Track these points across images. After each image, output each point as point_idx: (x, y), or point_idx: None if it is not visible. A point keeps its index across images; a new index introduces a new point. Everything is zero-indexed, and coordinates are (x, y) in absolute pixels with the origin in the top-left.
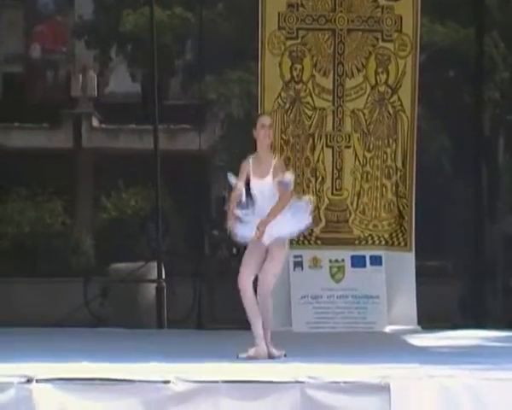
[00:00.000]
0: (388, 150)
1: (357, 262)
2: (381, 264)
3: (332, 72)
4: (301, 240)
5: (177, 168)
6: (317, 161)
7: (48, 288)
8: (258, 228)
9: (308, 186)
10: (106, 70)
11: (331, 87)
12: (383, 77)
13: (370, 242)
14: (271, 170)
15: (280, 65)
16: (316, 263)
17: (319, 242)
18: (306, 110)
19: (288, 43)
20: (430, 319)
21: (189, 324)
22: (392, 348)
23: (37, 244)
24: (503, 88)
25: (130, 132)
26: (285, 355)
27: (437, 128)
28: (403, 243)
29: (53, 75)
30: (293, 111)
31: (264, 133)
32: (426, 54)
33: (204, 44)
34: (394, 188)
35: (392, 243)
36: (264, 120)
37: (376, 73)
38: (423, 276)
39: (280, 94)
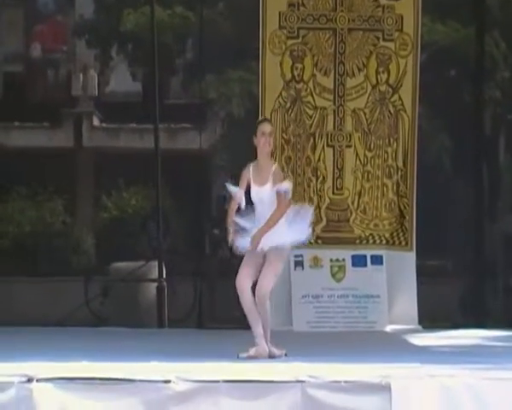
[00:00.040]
0: (389, 150)
1: (358, 262)
2: (381, 263)
3: (333, 71)
4: None
5: (178, 167)
6: (318, 160)
7: (48, 287)
8: (253, 238)
9: (309, 186)
10: (106, 69)
11: (332, 86)
12: (384, 76)
13: (371, 241)
14: (271, 177)
15: (281, 64)
16: (316, 262)
17: (320, 241)
18: (307, 109)
19: (289, 42)
20: (431, 319)
21: (189, 323)
22: (393, 347)
23: (37, 244)
24: (503, 87)
25: (130, 132)
26: (286, 355)
27: (438, 127)
28: (404, 243)
29: (53, 74)
30: (294, 110)
31: (264, 141)
32: (427, 53)
33: (204, 44)
34: (395, 187)
35: (393, 243)
36: (265, 128)
37: (377, 73)
38: (424, 275)
39: (281, 93)
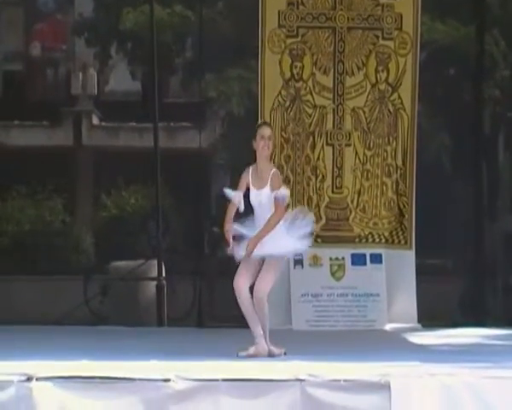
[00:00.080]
0: (388, 148)
1: (358, 260)
2: (381, 262)
3: (332, 70)
4: None
5: (178, 166)
6: (318, 159)
7: (48, 286)
8: (248, 244)
9: (308, 184)
10: (106, 68)
11: (331, 85)
12: (383, 75)
13: (371, 240)
14: (269, 181)
15: (280, 63)
16: (316, 261)
17: (319, 240)
18: (307, 108)
19: (289, 41)
20: (430, 317)
21: (189, 322)
22: (393, 346)
23: (37, 242)
24: (503, 86)
25: (130, 130)
26: (285, 353)
27: (437, 126)
28: (403, 241)
29: (53, 73)
30: (294, 109)
31: (263, 144)
32: (426, 52)
33: (204, 42)
34: (394, 186)
35: (393, 241)
36: (264, 132)
37: (376, 71)
38: (423, 274)
39: (280, 92)
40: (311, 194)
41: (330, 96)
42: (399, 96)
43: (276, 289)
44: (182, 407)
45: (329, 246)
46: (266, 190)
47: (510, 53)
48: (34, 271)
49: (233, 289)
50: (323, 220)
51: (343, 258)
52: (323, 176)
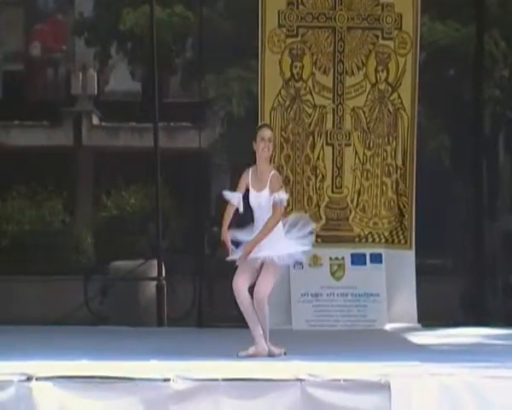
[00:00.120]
0: (388, 148)
1: (358, 260)
2: (381, 262)
3: (332, 70)
4: None
5: (178, 166)
6: (317, 158)
7: (48, 286)
8: (245, 247)
9: (308, 184)
10: (106, 68)
11: (331, 85)
12: (383, 75)
13: (370, 239)
14: (268, 183)
15: (280, 63)
16: (316, 261)
17: (319, 240)
18: (306, 108)
19: (288, 41)
20: (430, 317)
21: (189, 322)
22: (393, 346)
23: (37, 242)
24: (503, 86)
25: (130, 131)
26: (285, 353)
27: (437, 126)
28: (403, 241)
29: (53, 73)
30: (294, 109)
31: (263, 146)
32: (426, 52)
33: (204, 43)
34: (394, 186)
35: (393, 241)
36: (264, 133)
37: (376, 71)
38: (423, 274)
39: (280, 92)
40: (311, 194)
41: (330, 95)
42: (399, 96)
43: (275, 289)
44: (182, 406)
45: (329, 246)
46: (265, 192)
47: (510, 53)
48: (34, 271)
49: (232, 289)
50: (323, 220)
51: (343, 258)
52: (323, 176)
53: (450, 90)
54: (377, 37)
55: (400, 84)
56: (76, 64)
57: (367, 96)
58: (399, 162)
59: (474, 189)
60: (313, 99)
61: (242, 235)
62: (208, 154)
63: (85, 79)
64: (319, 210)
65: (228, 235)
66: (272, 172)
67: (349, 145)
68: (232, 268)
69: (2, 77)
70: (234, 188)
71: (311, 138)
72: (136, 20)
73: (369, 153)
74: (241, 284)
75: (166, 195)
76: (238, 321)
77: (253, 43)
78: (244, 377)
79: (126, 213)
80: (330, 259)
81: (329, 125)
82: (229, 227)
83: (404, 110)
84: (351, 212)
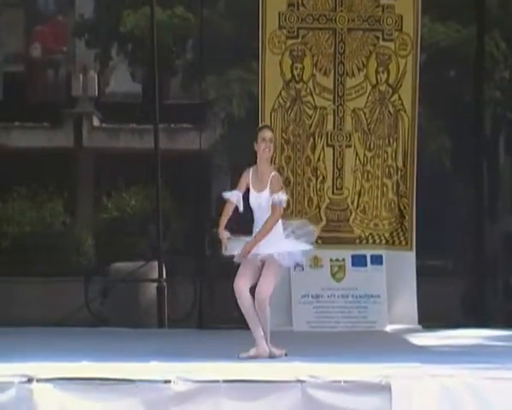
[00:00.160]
0: (389, 149)
1: (358, 261)
2: (381, 263)
3: (332, 71)
4: None
5: (178, 168)
6: (318, 160)
7: (48, 287)
8: (244, 248)
9: (309, 185)
10: (106, 70)
11: (332, 86)
12: (384, 76)
13: (371, 241)
14: (269, 184)
15: (280, 64)
16: (316, 262)
17: (320, 241)
18: (307, 109)
19: (289, 42)
20: (431, 319)
21: (189, 323)
22: (393, 347)
23: (37, 244)
24: (503, 87)
25: (130, 132)
26: (286, 355)
27: (437, 127)
28: (403, 242)
29: (53, 75)
30: (294, 110)
31: (264, 147)
32: (427, 53)
33: (204, 44)
34: (395, 187)
35: (393, 243)
36: (265, 134)
37: (377, 73)
38: (424, 275)
39: (280, 93)
40: (312, 195)
41: (331, 97)
42: (400, 98)
43: (276, 290)
44: (182, 408)
45: (330, 247)
46: (266, 192)
47: (511, 54)
48: (34, 272)
49: (233, 290)
50: (324, 221)
51: (343, 259)
52: (324, 177)
53: (450, 91)
54: (378, 38)
55: (401, 85)
56: (76, 65)
57: (367, 98)
58: (400, 164)
59: (474, 190)
60: (314, 100)
61: (241, 236)
62: (209, 155)
63: (86, 81)
64: (320, 211)
65: (224, 233)
66: (273, 173)
67: (349, 146)
68: (233, 269)
69: (3, 78)
70: (234, 189)
71: (311, 140)
72: (136, 22)
73: (369, 154)
74: (242, 285)
75: (167, 196)
76: (239, 322)
77: (254, 44)
78: (245, 379)
79: (127, 214)
80: (331, 260)
81: (330, 126)
82: (229, 227)
83: (405, 111)
84: (351, 213)
